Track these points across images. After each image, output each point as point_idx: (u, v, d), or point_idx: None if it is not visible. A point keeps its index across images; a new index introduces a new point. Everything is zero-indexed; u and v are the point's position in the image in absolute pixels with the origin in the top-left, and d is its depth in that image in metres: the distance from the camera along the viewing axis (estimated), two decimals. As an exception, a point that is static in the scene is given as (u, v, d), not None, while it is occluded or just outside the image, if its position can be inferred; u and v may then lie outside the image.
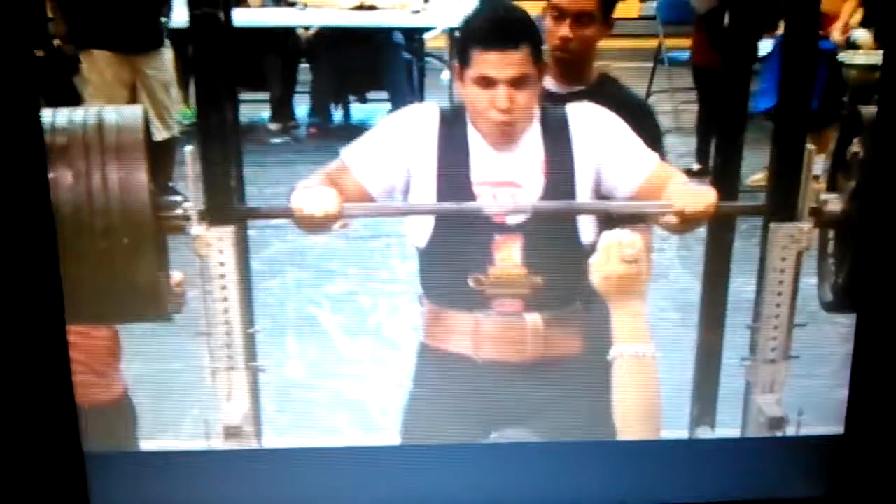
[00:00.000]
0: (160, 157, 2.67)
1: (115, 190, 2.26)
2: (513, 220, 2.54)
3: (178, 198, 2.42)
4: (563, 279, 2.59)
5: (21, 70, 1.94)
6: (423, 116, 2.61)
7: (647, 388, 2.30)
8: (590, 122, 2.58)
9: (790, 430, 2.56)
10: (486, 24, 2.52)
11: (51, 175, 2.23)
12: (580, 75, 2.82)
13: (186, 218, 2.39)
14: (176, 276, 2.54)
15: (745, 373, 2.63)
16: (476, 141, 2.56)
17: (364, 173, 2.57)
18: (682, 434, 2.83)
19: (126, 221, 2.26)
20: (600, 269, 2.32)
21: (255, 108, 5.47)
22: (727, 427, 2.78)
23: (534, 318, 2.58)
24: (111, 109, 2.34)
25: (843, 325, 2.34)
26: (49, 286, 2.08)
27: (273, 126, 5.50)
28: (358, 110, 5.97)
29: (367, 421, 3.56)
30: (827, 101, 4.66)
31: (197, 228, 2.40)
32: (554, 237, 2.57)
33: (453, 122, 2.58)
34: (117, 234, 2.26)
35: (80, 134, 2.29)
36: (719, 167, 2.61)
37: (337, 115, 5.90)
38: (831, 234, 2.61)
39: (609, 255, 2.31)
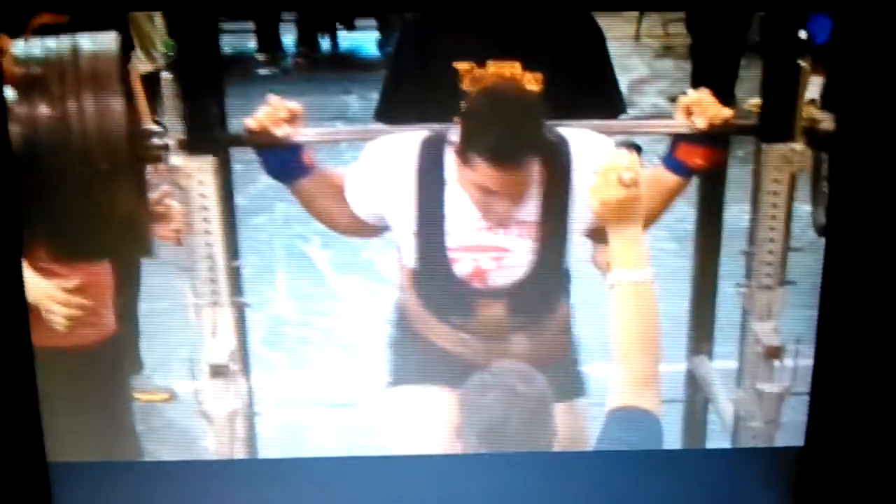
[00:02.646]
0: (146, 89, 2.62)
1: (91, 118, 2.21)
2: (498, 284, 2.46)
3: (158, 127, 2.37)
4: (548, 310, 2.56)
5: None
6: (401, 154, 2.46)
7: (646, 316, 2.24)
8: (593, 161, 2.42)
9: (788, 361, 2.52)
10: (495, 140, 2.31)
11: (27, 106, 2.21)
12: None
13: (165, 147, 2.34)
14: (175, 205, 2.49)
15: (742, 299, 2.59)
16: (462, 202, 2.42)
17: (354, 201, 2.51)
18: (679, 367, 2.81)
19: (103, 149, 2.21)
20: (598, 194, 2.25)
21: (241, 39, 5.38)
22: (725, 359, 2.75)
23: (519, 339, 2.52)
24: (86, 37, 2.27)
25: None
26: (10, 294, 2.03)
27: (260, 56, 5.41)
28: (346, 38, 5.86)
29: (357, 358, 3.52)
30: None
31: (176, 158, 2.35)
32: (542, 288, 2.50)
33: (434, 165, 2.44)
34: (95, 162, 2.21)
35: (56, 63, 2.24)
36: (715, 91, 2.53)
37: (325, 44, 5.80)
38: (824, 155, 2.53)
39: (607, 179, 2.24)
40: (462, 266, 2.44)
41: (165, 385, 3.13)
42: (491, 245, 2.44)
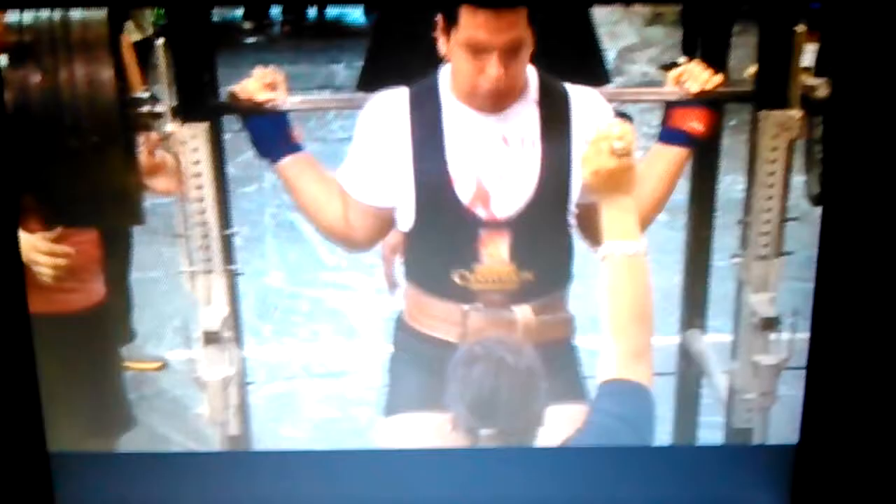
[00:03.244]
0: (137, 57, 2.61)
1: (82, 86, 2.19)
2: (501, 213, 2.39)
3: (149, 94, 2.35)
4: (554, 269, 2.49)
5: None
6: (390, 107, 2.40)
7: (639, 288, 2.22)
8: (591, 101, 2.41)
9: (785, 333, 2.51)
10: None
11: (18, 73, 2.19)
12: None
13: (157, 115, 2.32)
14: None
15: (737, 270, 2.57)
16: (458, 114, 2.37)
17: (363, 194, 2.44)
18: (672, 340, 2.80)
19: (94, 118, 2.19)
20: (590, 163, 2.23)
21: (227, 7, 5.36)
22: (717, 332, 2.74)
23: (524, 310, 2.45)
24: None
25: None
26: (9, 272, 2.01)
27: (247, 24, 5.37)
28: (333, 7, 5.83)
29: (348, 329, 3.51)
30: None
31: (170, 125, 2.33)
32: (545, 228, 2.43)
33: (427, 102, 2.38)
34: (86, 130, 2.19)
35: (46, 31, 2.21)
36: (707, 59, 2.51)
37: (311, 12, 5.75)
38: (819, 121, 2.49)
39: (599, 148, 2.22)
40: (465, 187, 2.37)
41: (157, 354, 3.12)
42: (493, 160, 2.37)
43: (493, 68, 2.27)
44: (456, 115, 2.37)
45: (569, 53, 2.55)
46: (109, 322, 2.82)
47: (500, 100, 2.34)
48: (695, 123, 2.43)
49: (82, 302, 2.68)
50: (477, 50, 2.27)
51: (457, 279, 2.42)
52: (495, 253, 2.41)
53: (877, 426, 2.11)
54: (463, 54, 2.29)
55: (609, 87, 2.70)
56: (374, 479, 2.28)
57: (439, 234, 2.42)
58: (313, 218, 2.50)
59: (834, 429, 2.11)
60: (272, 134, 2.42)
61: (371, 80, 2.66)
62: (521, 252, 2.41)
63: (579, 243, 2.50)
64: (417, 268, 2.52)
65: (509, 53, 2.27)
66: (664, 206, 2.48)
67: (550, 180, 2.39)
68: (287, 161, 2.44)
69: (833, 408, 2.10)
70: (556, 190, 2.41)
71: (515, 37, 2.27)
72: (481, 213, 2.39)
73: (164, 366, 3.18)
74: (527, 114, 2.38)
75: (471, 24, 2.24)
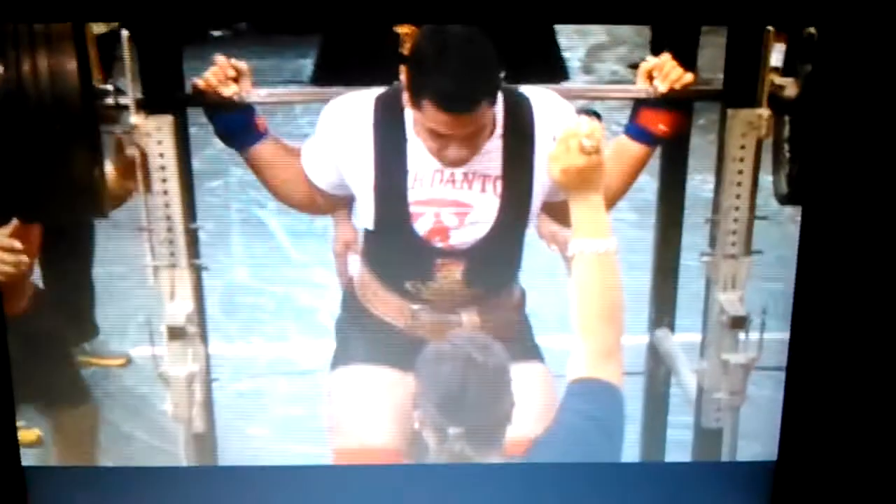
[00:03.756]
0: (102, 49, 2.58)
1: (45, 77, 2.18)
2: (459, 243, 2.42)
3: (114, 87, 2.34)
4: (504, 280, 2.54)
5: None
6: (356, 112, 2.40)
7: (610, 286, 2.22)
8: (558, 119, 2.39)
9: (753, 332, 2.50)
10: (444, 82, 2.22)
11: None
12: None
13: (122, 107, 2.31)
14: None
15: (706, 269, 2.57)
16: (419, 150, 2.37)
17: (310, 171, 2.47)
18: (640, 339, 2.79)
19: (57, 109, 2.19)
20: (559, 161, 2.22)
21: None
22: (687, 331, 2.73)
23: (470, 314, 2.49)
24: None
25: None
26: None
27: (213, 17, 5.32)
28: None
29: (315, 327, 3.48)
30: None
31: (135, 118, 2.32)
32: (502, 253, 2.47)
33: (392, 120, 2.39)
34: (49, 123, 2.19)
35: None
36: (677, 56, 2.49)
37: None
38: (787, 120, 2.52)
39: (568, 146, 2.21)
40: (423, 222, 2.40)
41: (121, 350, 3.08)
42: (453, 199, 2.39)
43: (454, 151, 2.32)
44: (420, 152, 2.38)
45: (526, 52, 2.54)
46: (59, 317, 2.78)
47: (461, 164, 2.36)
48: (662, 125, 2.45)
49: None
50: (438, 135, 2.30)
51: (409, 287, 2.47)
52: (449, 276, 2.45)
53: (858, 442, 2.11)
54: (425, 131, 2.32)
55: (577, 84, 2.69)
56: (346, 495, 2.27)
57: (396, 253, 2.46)
58: (283, 198, 2.53)
59: (814, 445, 2.11)
60: (236, 125, 2.42)
61: (325, 75, 2.65)
62: (475, 275, 2.45)
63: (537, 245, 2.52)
64: (373, 261, 2.54)
65: (472, 137, 2.31)
66: (622, 197, 2.48)
67: (510, 213, 2.42)
68: (254, 150, 2.44)
69: (813, 424, 2.10)
70: (515, 221, 2.44)
71: (479, 125, 2.30)
72: (438, 244, 2.42)
73: (129, 362, 3.14)
74: (490, 151, 2.38)
75: (433, 117, 2.27)
